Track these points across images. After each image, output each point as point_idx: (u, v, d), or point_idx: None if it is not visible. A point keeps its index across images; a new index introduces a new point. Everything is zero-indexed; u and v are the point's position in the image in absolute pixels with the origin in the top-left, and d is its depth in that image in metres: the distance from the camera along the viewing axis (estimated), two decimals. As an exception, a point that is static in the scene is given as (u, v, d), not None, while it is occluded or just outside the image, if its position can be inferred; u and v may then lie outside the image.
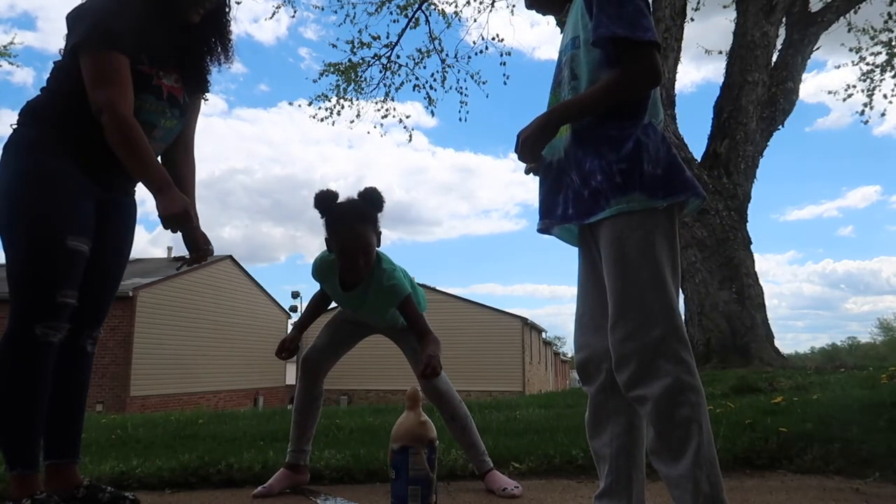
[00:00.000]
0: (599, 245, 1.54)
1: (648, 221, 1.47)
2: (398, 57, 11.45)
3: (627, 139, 1.49)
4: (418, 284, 2.56)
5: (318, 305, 2.53)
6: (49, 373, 1.95)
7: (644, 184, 1.47)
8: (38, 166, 1.94)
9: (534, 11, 1.93)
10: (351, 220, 2.22)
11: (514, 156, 1.61)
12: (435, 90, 11.40)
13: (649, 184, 1.47)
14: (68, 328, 1.98)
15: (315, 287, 2.49)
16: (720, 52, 10.30)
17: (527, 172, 1.74)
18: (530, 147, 1.58)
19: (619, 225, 1.48)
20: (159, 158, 2.21)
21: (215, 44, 2.22)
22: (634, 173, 1.47)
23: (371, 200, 2.27)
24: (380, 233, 2.30)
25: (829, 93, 11.76)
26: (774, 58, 8.38)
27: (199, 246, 2.31)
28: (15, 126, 2.03)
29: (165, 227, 1.91)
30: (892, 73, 10.33)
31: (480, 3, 11.41)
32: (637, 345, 1.43)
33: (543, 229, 1.69)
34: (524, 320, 26.38)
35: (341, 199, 2.29)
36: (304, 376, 2.46)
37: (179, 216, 1.91)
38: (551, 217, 1.63)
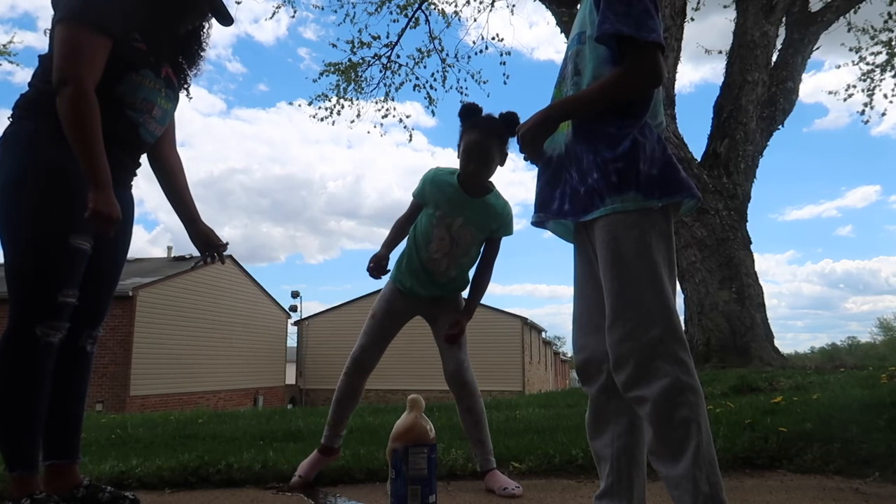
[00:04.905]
0: (595, 244, 1.54)
1: (644, 221, 1.47)
2: (398, 56, 11.45)
3: (625, 138, 1.49)
4: None
5: (407, 220, 2.58)
6: (49, 373, 1.94)
7: (640, 183, 1.47)
8: (38, 161, 1.91)
9: (546, 7, 1.93)
10: (479, 128, 2.38)
11: (515, 155, 1.62)
12: (435, 90, 11.40)
13: (645, 183, 1.47)
14: (68, 327, 1.97)
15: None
16: (720, 52, 10.31)
17: (526, 159, 1.75)
18: (530, 142, 1.59)
19: (615, 224, 1.48)
20: (146, 151, 2.19)
21: (195, 52, 2.22)
22: (631, 173, 1.47)
23: (506, 120, 2.40)
24: (505, 154, 2.43)
25: (830, 93, 11.75)
26: (774, 57, 8.38)
27: (213, 244, 2.31)
28: (11, 119, 2.00)
29: (91, 220, 1.83)
30: (893, 72, 10.32)
31: (480, 2, 11.41)
32: (635, 345, 1.43)
33: (538, 223, 1.69)
34: (524, 320, 26.36)
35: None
36: (354, 374, 2.52)
37: (112, 219, 1.84)
38: (546, 211, 1.63)
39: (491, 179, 2.50)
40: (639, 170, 1.47)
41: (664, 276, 1.46)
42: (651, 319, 1.43)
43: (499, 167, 2.45)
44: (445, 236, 2.48)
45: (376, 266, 2.47)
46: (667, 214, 1.51)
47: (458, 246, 2.48)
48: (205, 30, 2.23)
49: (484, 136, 2.36)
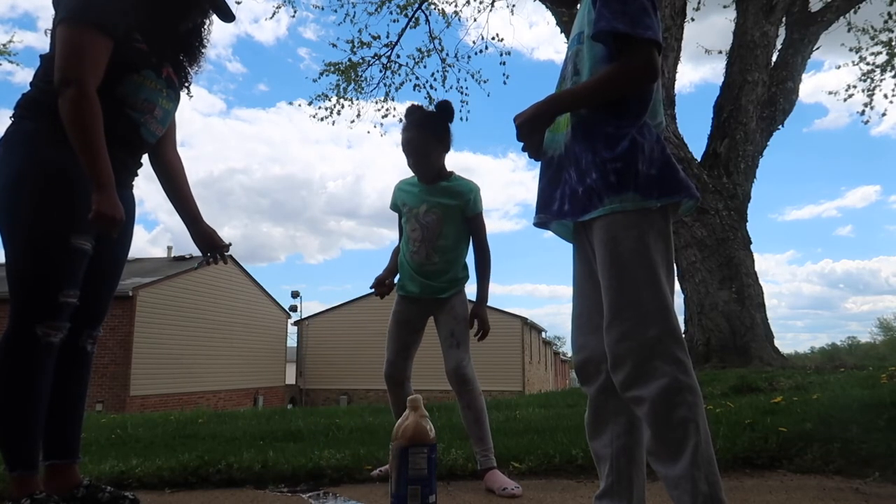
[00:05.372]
0: (593, 244, 1.54)
1: (643, 221, 1.47)
2: (398, 56, 11.46)
3: (623, 138, 1.49)
4: None
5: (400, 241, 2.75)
6: (49, 374, 1.94)
7: (639, 183, 1.47)
8: (40, 161, 1.91)
9: (546, 7, 1.94)
10: (409, 124, 2.58)
11: (515, 155, 1.62)
12: (435, 90, 11.41)
13: (644, 184, 1.47)
14: (68, 327, 1.97)
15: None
16: (720, 52, 10.31)
17: (523, 150, 1.74)
18: (527, 135, 1.59)
19: (614, 224, 1.48)
20: (147, 151, 2.19)
21: (195, 49, 2.22)
22: (629, 173, 1.47)
23: (440, 109, 2.61)
24: (445, 140, 2.59)
25: (830, 93, 11.74)
26: (774, 57, 8.38)
27: (216, 245, 2.31)
28: (12, 119, 1.99)
29: (94, 222, 1.83)
30: (893, 73, 10.32)
31: (480, 2, 11.41)
32: (633, 345, 1.43)
33: (540, 223, 1.69)
34: (524, 320, 26.37)
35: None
36: (391, 388, 2.66)
37: (116, 220, 1.84)
38: (547, 211, 1.64)
39: (452, 168, 2.65)
40: (637, 170, 1.47)
41: (662, 276, 1.46)
42: (649, 319, 1.43)
43: (445, 152, 2.60)
44: (416, 226, 2.63)
45: (378, 284, 2.65)
46: (665, 214, 1.51)
47: (429, 230, 2.61)
48: (206, 26, 2.23)
49: (410, 131, 2.56)
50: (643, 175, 1.47)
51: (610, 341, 1.47)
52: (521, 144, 1.64)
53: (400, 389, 2.62)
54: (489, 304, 2.67)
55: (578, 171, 1.54)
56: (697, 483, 1.34)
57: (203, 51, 2.25)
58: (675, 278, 1.54)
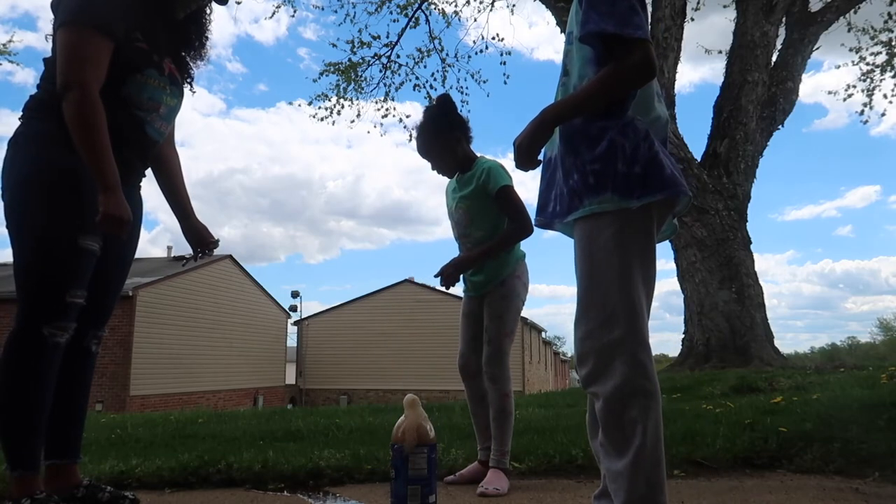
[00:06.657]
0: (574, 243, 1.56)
1: (620, 222, 1.47)
2: (398, 56, 11.50)
3: (603, 138, 1.49)
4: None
5: None
6: (54, 374, 1.93)
7: (617, 185, 1.46)
8: (48, 161, 1.91)
9: (546, 7, 1.93)
10: (416, 133, 2.63)
11: (514, 157, 1.61)
12: (435, 90, 11.44)
13: (622, 184, 1.46)
14: (74, 328, 1.96)
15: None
16: (720, 52, 10.31)
17: (518, 167, 1.74)
18: (527, 151, 1.55)
19: (590, 225, 1.49)
20: (154, 149, 2.18)
21: (195, 41, 2.22)
22: (607, 174, 1.47)
23: (435, 104, 2.64)
24: (449, 134, 2.55)
25: (829, 93, 11.78)
26: (774, 57, 8.38)
27: (205, 241, 2.31)
28: (21, 119, 2.00)
29: (102, 224, 1.83)
30: (892, 72, 10.33)
31: (480, 2, 11.43)
32: (595, 344, 1.45)
33: (541, 225, 1.70)
34: (524, 320, 26.39)
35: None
36: (464, 380, 2.66)
37: (123, 221, 1.84)
38: (544, 214, 1.65)
39: (479, 154, 2.64)
40: (615, 171, 1.47)
41: (635, 276, 1.47)
42: (614, 320, 1.44)
43: (457, 143, 2.56)
44: (454, 224, 2.67)
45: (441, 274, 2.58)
46: (648, 214, 1.50)
47: (461, 225, 2.62)
48: (206, 15, 2.22)
49: (417, 139, 2.61)
50: (622, 175, 1.47)
51: (576, 338, 1.50)
52: (519, 162, 1.58)
53: (473, 381, 2.62)
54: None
55: (564, 172, 1.56)
56: (635, 482, 1.37)
57: (205, 42, 2.24)
58: (655, 277, 1.55)
